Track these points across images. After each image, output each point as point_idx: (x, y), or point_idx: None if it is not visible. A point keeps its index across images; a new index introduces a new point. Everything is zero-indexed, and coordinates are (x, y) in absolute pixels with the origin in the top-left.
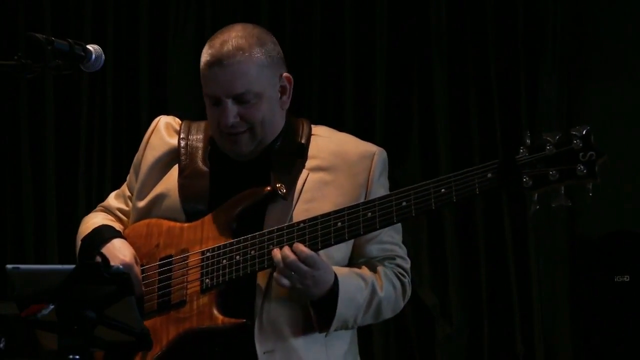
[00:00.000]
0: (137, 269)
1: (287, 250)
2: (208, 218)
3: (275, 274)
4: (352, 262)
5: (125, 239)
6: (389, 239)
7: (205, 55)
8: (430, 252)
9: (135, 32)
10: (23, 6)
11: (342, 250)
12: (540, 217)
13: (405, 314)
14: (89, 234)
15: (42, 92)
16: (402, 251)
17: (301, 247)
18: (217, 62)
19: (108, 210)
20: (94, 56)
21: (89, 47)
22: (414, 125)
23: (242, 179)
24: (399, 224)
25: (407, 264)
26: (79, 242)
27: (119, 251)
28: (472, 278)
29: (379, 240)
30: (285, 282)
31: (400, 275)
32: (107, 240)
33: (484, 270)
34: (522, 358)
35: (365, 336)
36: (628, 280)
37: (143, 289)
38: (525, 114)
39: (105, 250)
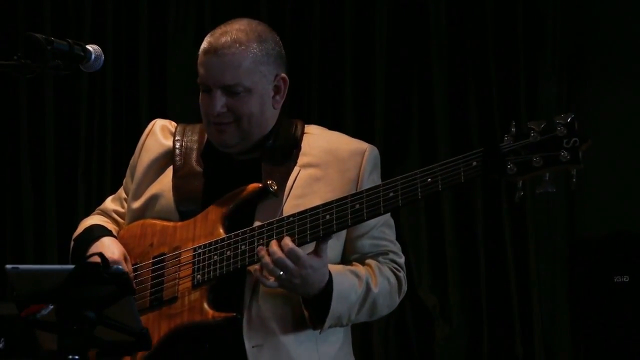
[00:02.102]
0: (127, 267)
1: (274, 245)
2: (200, 216)
3: (258, 275)
4: (345, 259)
5: (116, 237)
6: (381, 235)
7: (204, 43)
8: (430, 253)
9: (135, 32)
10: (23, 6)
11: (334, 248)
12: (540, 217)
13: (405, 314)
14: (80, 233)
15: (42, 92)
16: (395, 247)
17: (286, 241)
18: (212, 50)
19: (104, 213)
20: (93, 56)
21: (89, 47)
22: (414, 124)
23: (235, 178)
24: (392, 222)
25: (401, 259)
26: (72, 243)
27: (108, 249)
28: (472, 279)
29: (371, 235)
30: (272, 283)
31: (395, 270)
32: (97, 238)
33: (484, 271)
34: (521, 358)
35: (365, 336)
36: (627, 280)
37: (135, 287)
38: (525, 114)
39: (94, 248)
